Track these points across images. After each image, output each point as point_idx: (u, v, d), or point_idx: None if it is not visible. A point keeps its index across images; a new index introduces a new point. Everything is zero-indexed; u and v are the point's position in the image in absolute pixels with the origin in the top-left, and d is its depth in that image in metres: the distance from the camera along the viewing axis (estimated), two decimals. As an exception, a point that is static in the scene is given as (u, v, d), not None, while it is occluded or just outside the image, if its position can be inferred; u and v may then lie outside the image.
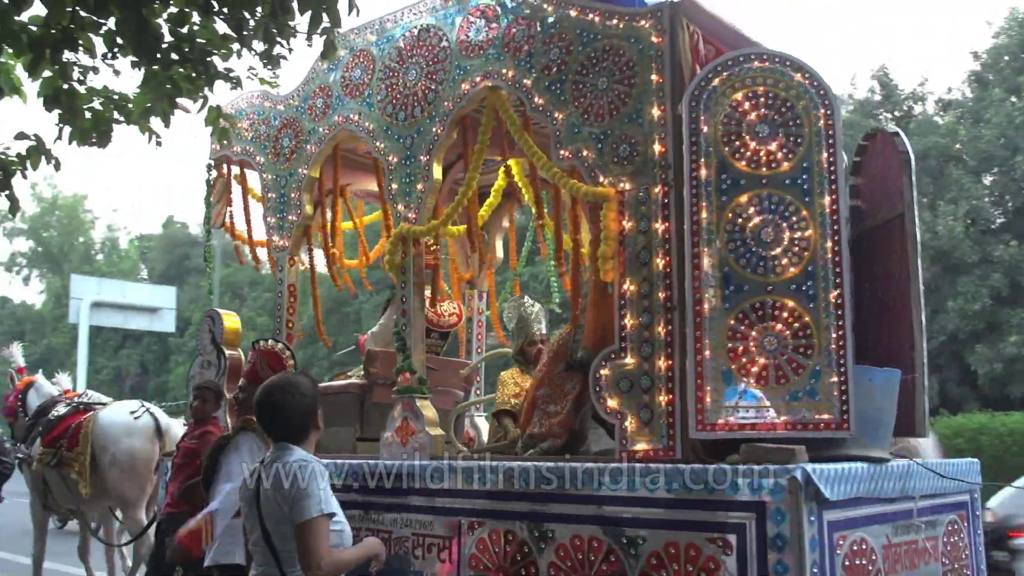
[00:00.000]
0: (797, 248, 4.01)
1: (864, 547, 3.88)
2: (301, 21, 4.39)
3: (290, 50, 4.64)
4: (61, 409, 7.93)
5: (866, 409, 4.05)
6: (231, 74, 4.66)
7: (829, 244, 4.01)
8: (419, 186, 5.07)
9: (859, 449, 4.03)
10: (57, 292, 46.33)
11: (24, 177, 4.88)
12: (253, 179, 6.21)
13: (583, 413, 4.68)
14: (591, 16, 4.51)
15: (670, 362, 4.08)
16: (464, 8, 5.00)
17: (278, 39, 4.42)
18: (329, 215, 5.97)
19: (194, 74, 4.51)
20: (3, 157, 4.74)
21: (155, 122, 4.70)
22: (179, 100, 4.61)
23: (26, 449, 8.23)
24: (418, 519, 4.66)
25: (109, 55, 4.38)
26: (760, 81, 4.14)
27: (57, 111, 4.45)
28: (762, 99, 4.12)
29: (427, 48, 5.13)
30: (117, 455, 7.24)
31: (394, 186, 5.18)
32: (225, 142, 5.84)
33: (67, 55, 4.36)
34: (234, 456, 4.71)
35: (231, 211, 6.20)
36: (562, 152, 4.52)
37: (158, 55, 4.29)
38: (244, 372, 5.34)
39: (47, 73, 4.34)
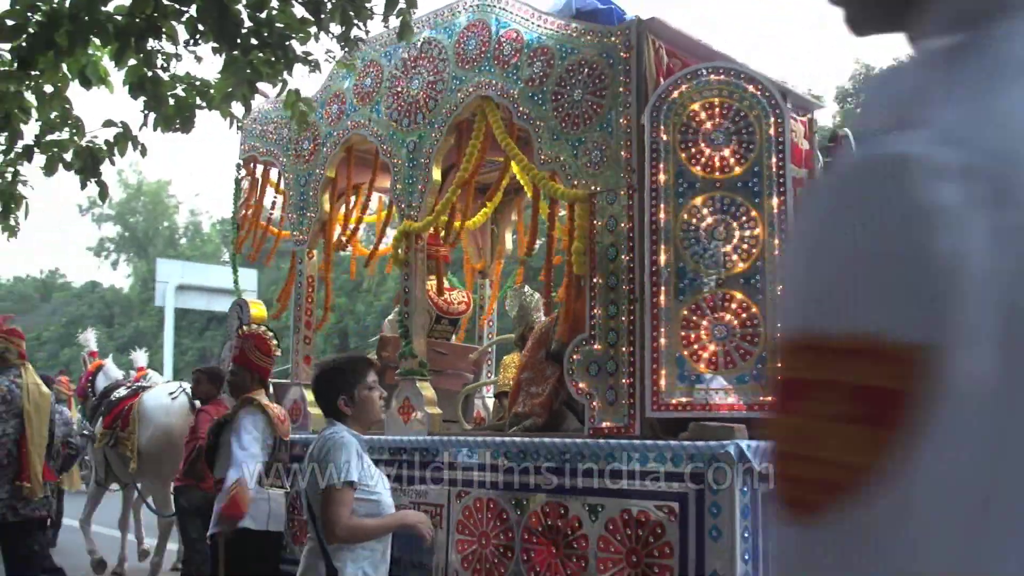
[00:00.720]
0: (746, 245, 4.51)
1: (802, 517, 4.37)
2: (377, 3, 4.67)
3: (367, 32, 4.90)
4: (121, 392, 8.75)
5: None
6: (309, 57, 4.81)
7: (776, 242, 4.50)
8: (420, 186, 5.67)
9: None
10: (143, 276, 48.04)
11: (112, 163, 5.11)
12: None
13: (563, 395, 5.23)
14: (569, 33, 5.04)
15: (632, 348, 4.61)
16: (461, 23, 5.56)
17: (355, 21, 4.64)
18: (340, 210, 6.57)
19: (273, 58, 4.65)
20: (92, 145, 4.97)
21: (235, 107, 4.88)
22: (259, 84, 4.74)
23: (91, 428, 9.08)
24: (415, 489, 5.28)
25: (191, 42, 4.55)
26: (716, 93, 4.63)
27: (142, 98, 4.59)
28: (717, 109, 4.62)
29: (428, 60, 5.72)
30: (155, 433, 8.00)
31: (399, 186, 5.79)
32: (255, 144, 6.50)
33: (151, 43, 4.50)
34: (238, 432, 5.26)
35: (256, 206, 6.86)
36: (543, 156, 5.07)
37: (238, 40, 4.45)
38: (233, 357, 5.91)
39: (132, 62, 4.48)
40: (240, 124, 5.20)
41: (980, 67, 0.65)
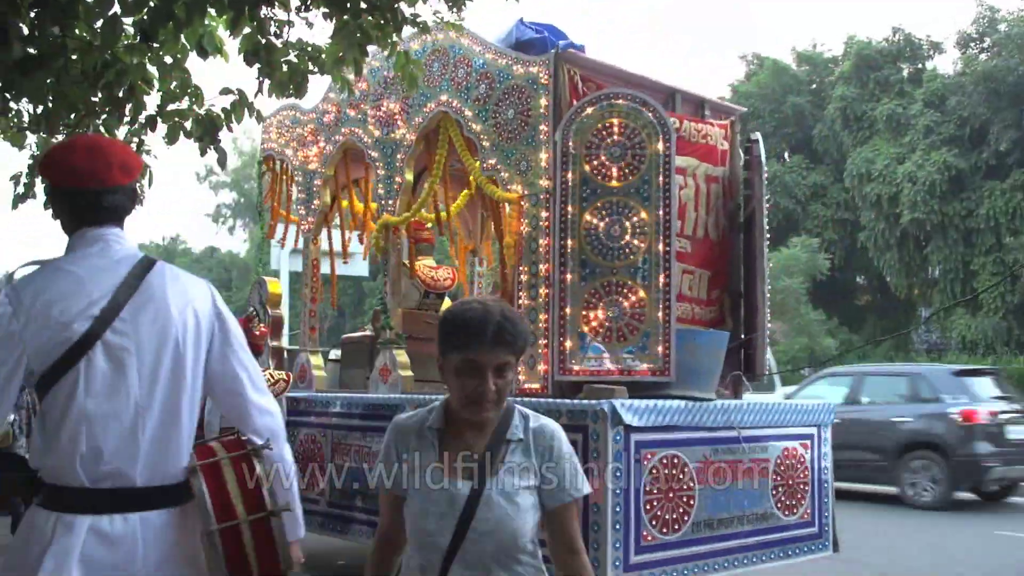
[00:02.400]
0: (636, 241, 5.82)
1: (676, 461, 5.68)
2: None
3: None
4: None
5: (689, 362, 5.85)
6: (418, 19, 5.06)
7: (661, 239, 5.80)
8: (395, 186, 7.10)
9: (681, 391, 5.83)
10: (259, 241, 51.07)
11: (230, 131, 5.39)
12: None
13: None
14: (505, 61, 6.36)
15: (545, 321, 5.97)
16: (428, 49, 6.92)
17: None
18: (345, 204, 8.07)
19: (383, 21, 4.86)
20: (211, 113, 5.23)
21: (347, 71, 5.17)
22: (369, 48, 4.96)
23: None
24: (389, 436, 6.77)
25: (303, 8, 4.82)
26: (617, 114, 5.92)
27: (256, 66, 4.81)
28: (617, 128, 5.91)
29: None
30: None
31: (379, 186, 7.24)
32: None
33: (264, 12, 4.72)
34: None
35: (276, 197, 8.41)
36: (485, 164, 6.43)
37: (348, 5, 4.68)
38: None
39: (246, 30, 4.70)
40: (351, 90, 5.66)
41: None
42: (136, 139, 5.57)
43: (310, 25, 5.04)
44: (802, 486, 6.45)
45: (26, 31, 4.31)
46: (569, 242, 5.87)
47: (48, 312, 2.37)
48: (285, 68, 4.94)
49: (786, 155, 36.20)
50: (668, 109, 6.62)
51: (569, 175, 5.90)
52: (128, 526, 2.37)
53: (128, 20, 4.50)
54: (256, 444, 2.56)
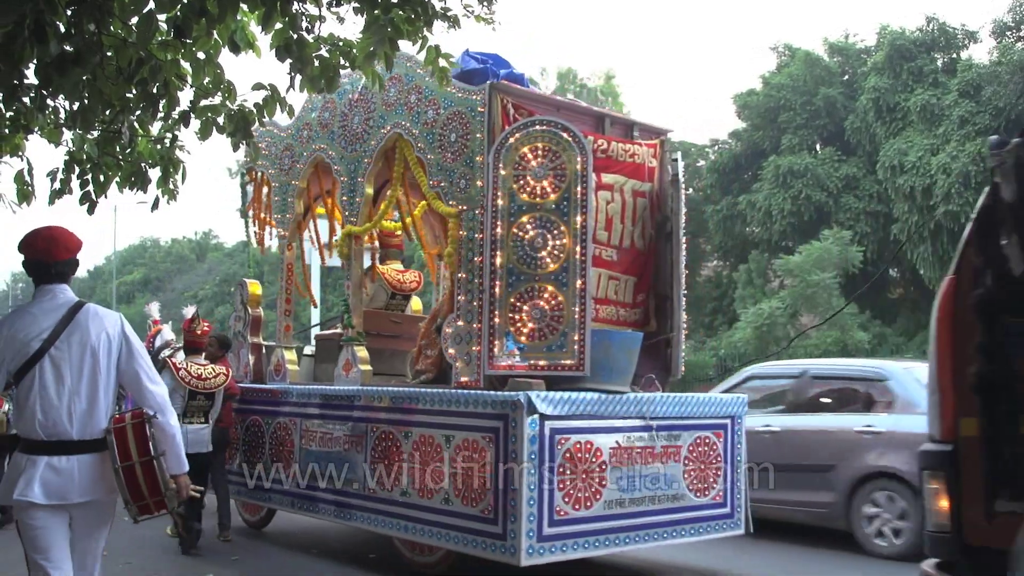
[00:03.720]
0: (557, 252, 6.93)
1: (589, 446, 6.79)
2: None
3: None
4: (167, 351, 11.77)
5: (604, 359, 6.95)
6: (448, 13, 5.21)
7: (578, 250, 6.90)
8: (358, 198, 8.27)
9: (595, 384, 6.93)
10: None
11: (262, 125, 5.69)
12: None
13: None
14: (450, 89, 7.48)
15: (479, 325, 7.10)
16: (387, 75, 8.05)
17: (493, -24, 5.10)
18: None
19: (413, 15, 5.01)
20: (243, 108, 5.45)
21: (378, 65, 5.24)
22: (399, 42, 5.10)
23: None
24: (348, 424, 7.94)
25: (334, 3, 5.00)
26: (540, 139, 7.02)
27: (288, 61, 4.91)
28: (540, 151, 7.01)
29: (364, 102, 8.27)
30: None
31: (344, 198, 8.42)
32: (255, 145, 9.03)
33: (295, 7, 4.86)
34: None
35: (258, 205, 9.62)
36: (432, 181, 7.57)
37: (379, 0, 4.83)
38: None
39: (278, 25, 4.81)
40: (382, 84, 5.90)
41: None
42: (170, 134, 5.88)
43: (341, 20, 5.23)
44: (715, 471, 7.53)
45: (63, 29, 4.46)
46: (498, 257, 6.98)
47: (16, 336, 4.10)
48: (316, 63, 5.13)
49: (817, 147, 36.89)
50: (598, 132, 7.76)
51: (499, 193, 7.02)
52: (68, 463, 4.06)
53: (162, 17, 4.65)
54: (149, 414, 4.18)
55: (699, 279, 40.29)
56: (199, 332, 8.74)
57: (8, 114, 5.46)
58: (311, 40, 5.08)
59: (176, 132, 5.86)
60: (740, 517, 7.72)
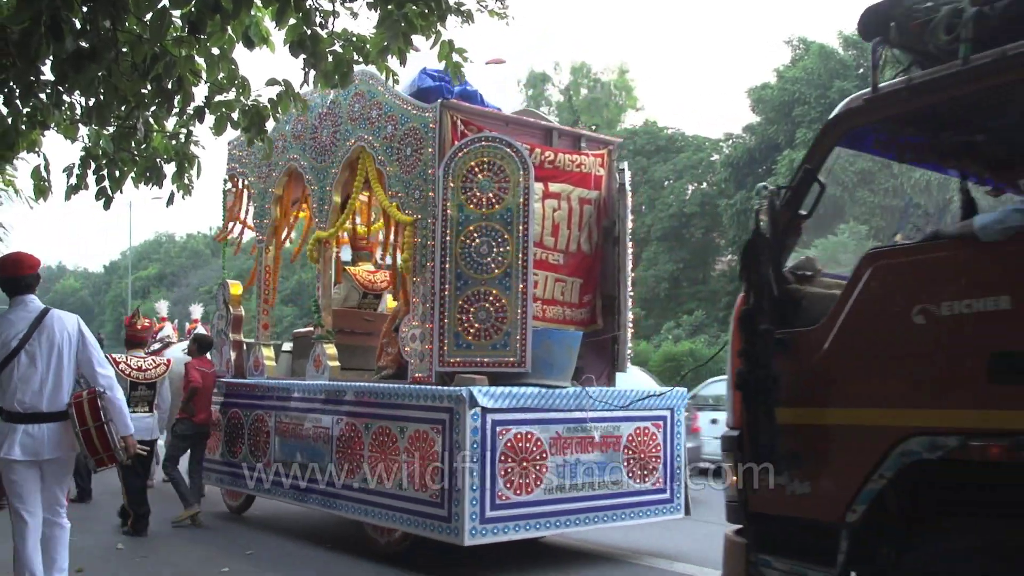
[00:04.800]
0: (500, 258, 7.74)
1: (529, 436, 7.60)
2: None
3: None
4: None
5: (544, 356, 7.77)
6: (462, 8, 5.36)
7: (520, 256, 7.72)
8: (326, 206, 9.12)
9: (537, 380, 7.74)
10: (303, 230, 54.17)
11: (276, 120, 5.82)
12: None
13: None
14: (406, 106, 8.30)
15: (431, 325, 7.92)
16: (352, 91, 8.89)
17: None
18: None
19: (426, 10, 5.15)
20: (257, 103, 5.64)
21: (392, 61, 5.49)
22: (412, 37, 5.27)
23: None
24: (317, 416, 8.79)
25: None
26: (485, 153, 7.84)
27: (302, 56, 5.08)
28: (486, 165, 7.82)
29: (332, 116, 9.11)
30: (172, 379, 11.81)
31: (314, 205, 9.27)
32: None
33: (309, 2, 4.98)
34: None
35: (241, 207, 10.50)
36: (391, 192, 8.41)
37: None
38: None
39: (292, 21, 4.96)
40: (396, 79, 6.01)
41: None
42: (184, 130, 6.09)
43: (355, 15, 5.32)
44: (654, 459, 8.33)
45: (79, 25, 4.61)
46: (448, 263, 7.79)
47: None
48: (330, 58, 5.28)
49: (833, 140, 37.42)
50: (546, 144, 8.56)
51: (448, 205, 7.83)
52: (40, 429, 5.65)
53: (176, 13, 4.80)
54: (100, 391, 5.82)
55: (714, 273, 40.93)
56: (139, 328, 9.83)
57: (25, 110, 5.58)
58: (325, 36, 5.24)
59: (191, 127, 6.08)
60: (680, 502, 8.51)
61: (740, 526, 4.44)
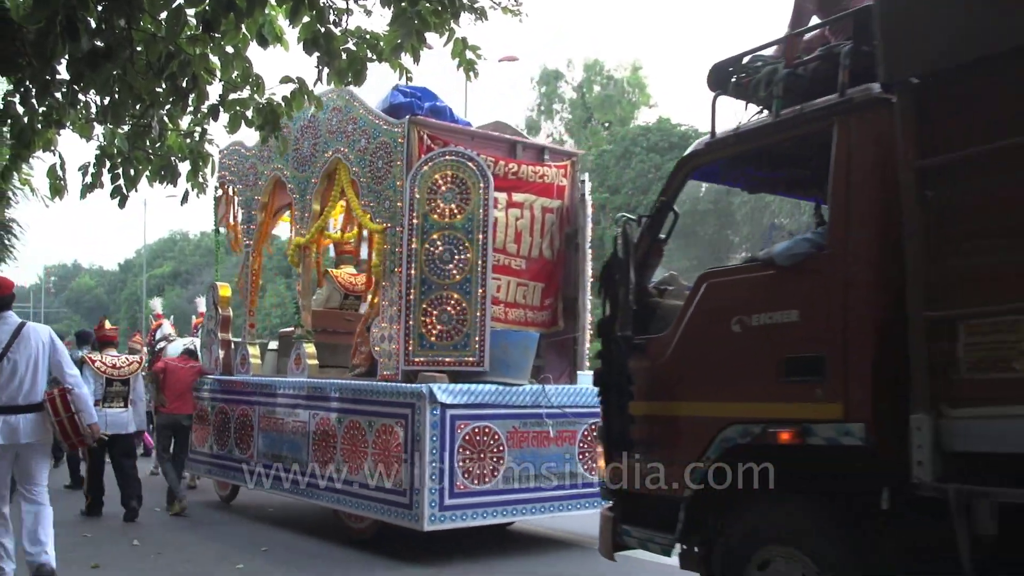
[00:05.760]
0: (462, 265, 8.52)
1: (487, 430, 8.37)
2: None
3: None
4: (161, 344, 13.59)
5: (502, 356, 8.55)
6: (475, 5, 5.47)
7: (480, 263, 8.50)
8: (306, 214, 9.93)
9: (495, 378, 8.52)
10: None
11: (290, 118, 6.01)
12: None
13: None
14: (378, 121, 9.09)
15: (398, 326, 8.71)
16: (330, 106, 9.69)
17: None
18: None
19: (440, 8, 5.27)
20: (271, 101, 5.76)
21: (405, 59, 5.58)
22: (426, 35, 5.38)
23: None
24: (296, 411, 9.61)
25: None
26: (448, 167, 8.62)
27: (316, 54, 5.18)
28: (449, 177, 8.61)
29: (312, 129, 9.92)
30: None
31: (296, 212, 10.08)
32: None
33: (323, 0, 5.08)
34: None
35: (231, 214, 11.34)
36: (363, 201, 9.20)
37: None
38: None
39: (305, 19, 5.06)
40: (410, 76, 5.93)
41: None
42: (199, 128, 6.24)
43: (368, 13, 5.41)
44: (607, 454, 9.08)
45: (94, 25, 4.70)
46: (413, 269, 8.58)
47: None
48: (344, 56, 5.37)
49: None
50: (511, 156, 9.33)
51: (414, 214, 8.62)
52: (18, 418, 6.94)
53: (191, 11, 4.91)
54: (69, 388, 7.14)
55: (728, 271, 41.51)
56: (108, 329, 10.94)
57: (41, 109, 5.65)
58: (338, 34, 5.33)
59: (205, 126, 6.21)
60: (632, 494, 9.26)
61: (611, 503, 5.27)
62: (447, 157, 8.65)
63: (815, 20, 5.02)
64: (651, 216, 5.29)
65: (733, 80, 4.81)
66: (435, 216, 8.62)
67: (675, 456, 4.84)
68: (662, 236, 5.30)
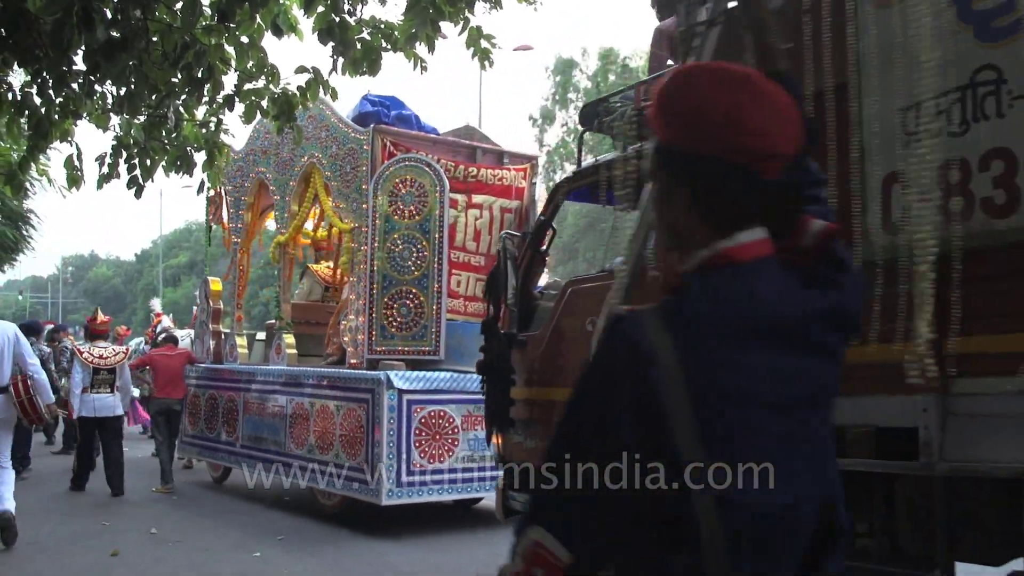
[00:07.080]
0: (420, 262, 9.60)
1: (443, 413, 9.43)
2: None
3: None
4: (162, 336, 14.78)
5: (457, 347, 9.62)
6: None
7: (436, 260, 9.57)
8: (286, 214, 11.04)
9: (451, 366, 9.59)
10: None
11: (305, 108, 6.17)
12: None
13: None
14: (346, 128, 10.17)
15: (364, 319, 9.80)
16: (307, 114, 10.77)
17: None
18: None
19: None
20: (287, 91, 5.89)
21: (420, 48, 5.65)
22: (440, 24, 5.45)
23: None
24: (277, 398, 10.73)
25: None
26: (407, 171, 9.69)
27: (330, 44, 5.25)
28: (409, 181, 9.68)
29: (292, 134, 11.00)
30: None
31: (276, 213, 11.20)
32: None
33: None
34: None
35: (222, 213, 12.47)
36: (334, 203, 10.30)
37: None
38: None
39: (320, 9, 5.13)
40: (425, 66, 5.94)
41: None
42: (214, 118, 6.26)
43: (383, 2, 5.52)
44: (557, 436, 10.12)
45: (110, 15, 4.75)
46: (376, 266, 9.66)
47: None
48: (359, 46, 5.44)
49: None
50: (471, 161, 10.39)
51: (377, 215, 9.70)
52: None
53: (206, 2, 4.95)
54: (29, 375, 8.81)
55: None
56: (99, 322, 11.84)
57: (57, 100, 5.68)
58: (353, 23, 5.38)
59: (221, 116, 6.22)
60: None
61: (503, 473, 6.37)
62: (407, 162, 9.72)
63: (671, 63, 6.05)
64: (533, 232, 6.33)
65: (596, 120, 5.82)
66: (396, 217, 9.69)
67: (548, 433, 5.86)
68: (543, 248, 6.36)
